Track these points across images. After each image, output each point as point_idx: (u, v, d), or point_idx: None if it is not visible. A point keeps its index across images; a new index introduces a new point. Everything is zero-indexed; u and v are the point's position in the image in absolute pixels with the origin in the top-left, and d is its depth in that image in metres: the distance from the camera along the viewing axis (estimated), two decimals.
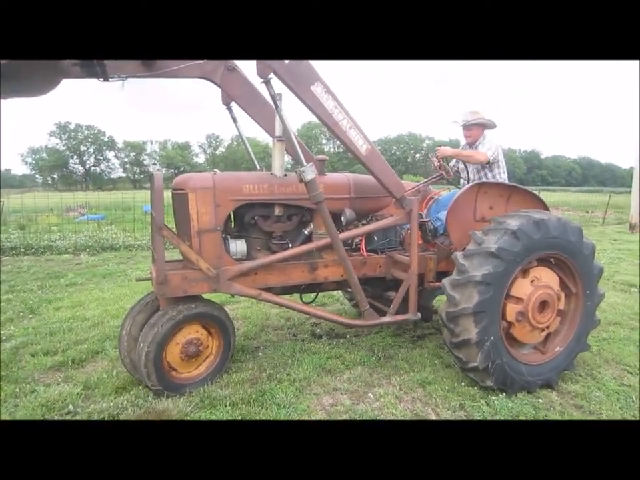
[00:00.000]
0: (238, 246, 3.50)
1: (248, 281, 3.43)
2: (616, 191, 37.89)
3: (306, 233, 3.74)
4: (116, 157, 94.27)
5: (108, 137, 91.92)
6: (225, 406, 3.15)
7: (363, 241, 3.88)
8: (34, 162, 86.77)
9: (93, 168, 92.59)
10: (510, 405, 3.22)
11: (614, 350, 4.34)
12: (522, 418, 3.07)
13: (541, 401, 3.33)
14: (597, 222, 19.46)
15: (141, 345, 3.16)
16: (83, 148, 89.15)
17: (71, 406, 3.20)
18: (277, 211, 3.58)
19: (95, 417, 3.06)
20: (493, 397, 3.31)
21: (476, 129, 4.41)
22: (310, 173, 3.11)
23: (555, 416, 3.11)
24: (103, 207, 23.62)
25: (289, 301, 3.60)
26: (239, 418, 3.01)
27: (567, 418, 3.08)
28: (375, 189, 3.78)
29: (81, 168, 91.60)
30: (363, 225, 3.91)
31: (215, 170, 3.50)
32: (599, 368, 3.92)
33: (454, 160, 4.73)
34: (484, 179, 4.27)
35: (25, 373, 3.81)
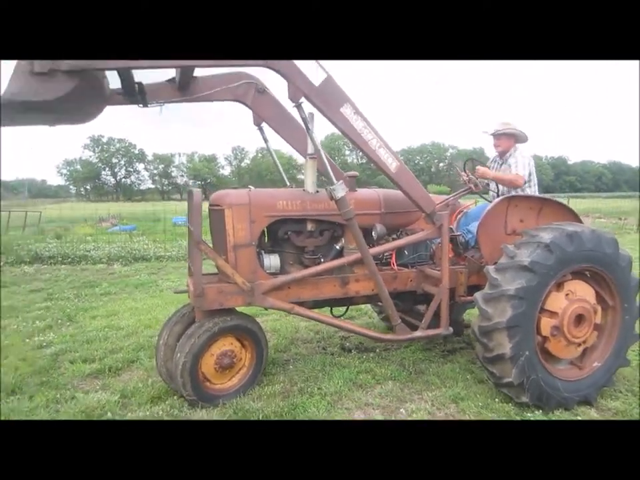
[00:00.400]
0: (272, 260, 3.58)
1: (281, 295, 3.49)
2: None
3: (337, 247, 3.78)
4: (145, 168, 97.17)
5: (138, 150, 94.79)
6: (258, 418, 3.20)
7: (394, 256, 3.90)
8: (68, 173, 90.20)
9: (123, 179, 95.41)
10: (546, 420, 3.17)
11: None
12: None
13: (579, 418, 3.26)
14: (630, 229, 18.85)
15: (178, 354, 3.25)
16: (114, 160, 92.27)
17: (109, 413, 3.31)
18: (310, 226, 3.64)
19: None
20: (529, 414, 3.25)
21: (506, 138, 4.40)
22: (340, 190, 3.18)
23: None
24: (134, 218, 24.32)
25: (320, 315, 3.65)
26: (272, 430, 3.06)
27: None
28: (404, 204, 3.80)
29: (112, 179, 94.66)
30: (394, 239, 3.93)
31: (249, 187, 3.59)
32: None
33: None
34: (513, 192, 4.23)
35: (64, 379, 3.97)
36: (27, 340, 4.99)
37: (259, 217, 3.41)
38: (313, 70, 3.00)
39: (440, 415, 3.32)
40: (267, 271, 3.53)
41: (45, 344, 4.90)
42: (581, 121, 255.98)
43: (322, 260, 3.67)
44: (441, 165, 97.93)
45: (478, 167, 4.29)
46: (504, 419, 3.22)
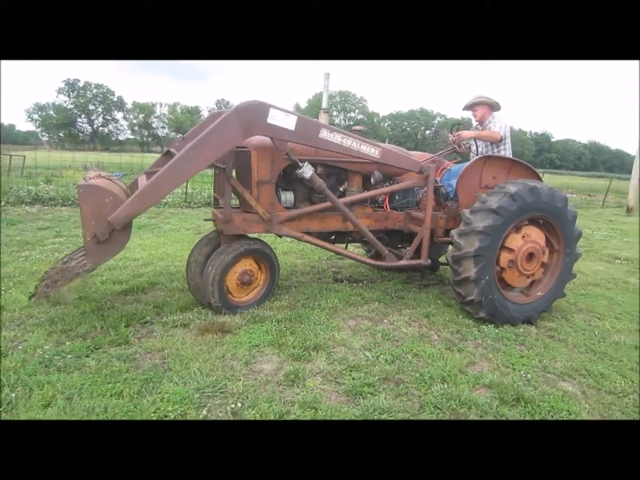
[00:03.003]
0: (287, 196, 4.30)
1: (294, 225, 4.23)
2: (622, 177, 38.17)
3: (341, 189, 4.52)
4: (124, 118, 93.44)
5: (117, 97, 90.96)
6: (272, 321, 3.96)
7: (387, 200, 4.66)
8: (40, 119, 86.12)
9: (100, 128, 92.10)
10: (496, 331, 4.08)
11: (588, 302, 5.19)
12: (504, 341, 3.91)
13: (521, 330, 4.18)
14: (597, 204, 20.19)
15: (209, 268, 3.98)
16: (91, 107, 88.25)
17: (147, 317, 4.01)
18: (319, 169, 4.33)
19: (170, 326, 3.85)
20: (483, 326, 4.16)
21: (480, 107, 5.09)
22: (308, 171, 3.90)
23: (530, 340, 3.97)
24: (117, 168, 24.24)
25: (324, 242, 4.41)
26: (284, 329, 3.82)
27: (539, 344, 3.91)
28: None
29: (88, 127, 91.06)
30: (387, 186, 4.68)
31: None
32: (573, 314, 4.77)
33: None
34: (490, 153, 4.99)
35: (99, 295, 4.59)
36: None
37: (279, 159, 4.07)
38: (284, 116, 3.58)
39: (415, 325, 4.18)
40: (283, 205, 4.25)
41: None
42: (567, 97, 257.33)
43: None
44: (428, 132, 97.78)
45: (460, 132, 5.02)
46: (464, 328, 4.11)
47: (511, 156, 5.07)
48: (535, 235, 4.30)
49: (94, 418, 2.55)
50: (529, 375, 3.32)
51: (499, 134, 4.87)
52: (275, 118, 3.54)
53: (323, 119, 4.22)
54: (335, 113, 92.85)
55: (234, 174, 4.16)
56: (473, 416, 2.75)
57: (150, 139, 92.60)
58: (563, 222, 4.39)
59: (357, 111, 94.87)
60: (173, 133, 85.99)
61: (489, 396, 3.01)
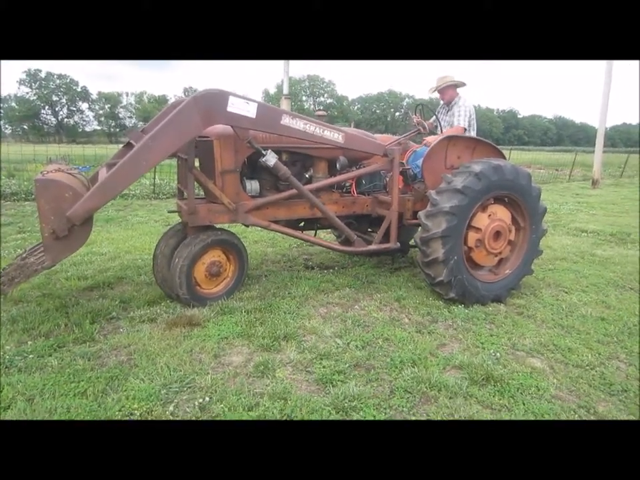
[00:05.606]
0: (252, 185, 4.21)
1: (260, 214, 4.16)
2: (588, 150, 38.98)
3: (307, 176, 4.45)
4: (90, 108, 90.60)
5: (81, 87, 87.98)
6: (241, 312, 3.90)
7: (354, 184, 4.62)
8: (3, 111, 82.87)
9: (66, 120, 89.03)
10: (466, 311, 4.11)
11: (556, 277, 5.28)
12: (474, 321, 3.95)
13: (490, 309, 4.23)
14: (563, 179, 20.63)
15: (177, 259, 3.88)
16: (55, 98, 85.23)
17: (114, 312, 3.91)
18: (284, 156, 4.27)
19: (136, 321, 3.76)
20: (454, 307, 4.19)
21: (447, 90, 5.14)
22: (271, 159, 3.85)
23: (499, 318, 4.02)
24: (84, 160, 23.55)
25: (292, 230, 4.35)
26: (254, 320, 3.77)
27: (508, 321, 3.97)
28: None
29: (53, 119, 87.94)
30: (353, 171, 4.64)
31: None
32: (541, 289, 4.85)
33: (433, 117, 5.44)
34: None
35: (64, 292, 4.44)
36: None
37: (242, 147, 3.96)
38: (244, 104, 3.50)
39: (386, 309, 4.19)
40: (248, 194, 4.16)
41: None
42: (533, 73, 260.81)
43: None
44: (397, 114, 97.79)
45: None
46: (434, 310, 4.14)
47: (475, 135, 5.10)
48: (501, 214, 4.34)
49: (56, 419, 2.47)
50: (498, 354, 3.36)
51: (462, 128, 4.92)
52: (235, 106, 3.45)
53: (284, 105, 4.15)
54: (304, 98, 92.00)
55: (197, 164, 4.05)
56: (442, 398, 2.77)
57: (117, 130, 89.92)
58: (528, 199, 4.43)
59: (325, 95, 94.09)
60: (140, 123, 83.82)
61: (459, 377, 3.03)
